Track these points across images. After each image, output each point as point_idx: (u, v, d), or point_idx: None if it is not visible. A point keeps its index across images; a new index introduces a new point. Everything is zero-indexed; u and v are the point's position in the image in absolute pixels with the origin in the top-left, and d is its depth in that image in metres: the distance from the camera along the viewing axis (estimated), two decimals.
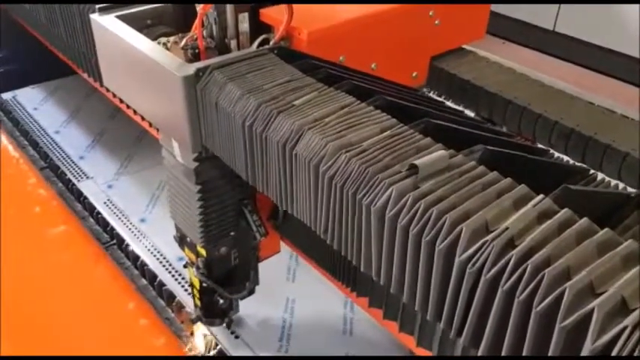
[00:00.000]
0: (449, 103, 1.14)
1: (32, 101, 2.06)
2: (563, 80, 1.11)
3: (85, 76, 1.40)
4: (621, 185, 0.91)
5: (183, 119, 0.85)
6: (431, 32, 1.13)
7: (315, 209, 0.69)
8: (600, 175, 0.74)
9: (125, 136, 1.86)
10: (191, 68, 0.82)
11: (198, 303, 1.15)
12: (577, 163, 0.94)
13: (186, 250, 1.11)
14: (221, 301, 1.15)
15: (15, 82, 2.08)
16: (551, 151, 0.85)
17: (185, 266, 1.15)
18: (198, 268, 1.09)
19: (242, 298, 1.17)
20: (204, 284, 1.10)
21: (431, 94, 1.18)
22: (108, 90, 1.12)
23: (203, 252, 1.06)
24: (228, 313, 1.19)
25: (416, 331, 0.81)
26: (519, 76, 1.12)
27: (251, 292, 1.16)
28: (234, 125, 0.78)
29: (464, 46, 1.24)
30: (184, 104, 0.83)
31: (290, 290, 1.32)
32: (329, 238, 0.69)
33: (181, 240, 1.11)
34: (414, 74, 1.17)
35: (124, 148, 1.83)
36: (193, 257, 1.09)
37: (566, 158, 0.97)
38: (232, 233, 1.06)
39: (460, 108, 1.12)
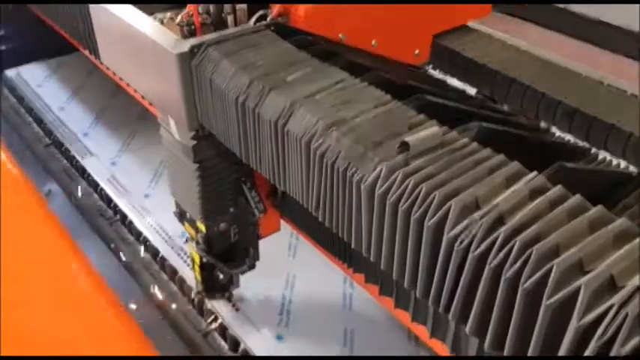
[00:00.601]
0: (451, 81, 1.11)
1: (36, 78, 2.06)
2: (571, 58, 1.07)
3: (87, 53, 1.39)
4: (625, 165, 0.88)
5: (178, 97, 0.84)
6: (434, 9, 1.10)
7: (306, 186, 0.68)
8: (603, 155, 0.72)
9: (128, 113, 1.86)
10: (186, 45, 0.81)
11: (199, 278, 1.16)
12: (579, 142, 0.92)
13: (186, 225, 1.11)
14: (221, 276, 1.16)
15: (18, 58, 2.08)
16: (553, 129, 0.83)
17: (186, 241, 1.16)
18: (198, 243, 1.09)
19: (242, 273, 1.17)
20: (205, 259, 1.11)
21: (434, 72, 1.16)
22: (108, 68, 1.11)
23: (203, 228, 1.06)
24: (228, 288, 1.20)
25: (411, 307, 0.80)
26: (523, 53, 1.09)
27: (251, 267, 1.16)
28: (228, 102, 0.77)
29: (468, 24, 1.20)
30: (179, 82, 0.82)
31: (291, 266, 1.33)
32: (320, 215, 0.68)
33: (181, 216, 1.12)
34: (416, 52, 1.14)
35: (126, 126, 1.83)
36: (193, 233, 1.10)
37: (569, 138, 0.94)
38: (231, 210, 1.06)
39: (462, 86, 1.10)
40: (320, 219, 0.69)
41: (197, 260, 1.14)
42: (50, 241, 1.29)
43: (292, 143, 0.67)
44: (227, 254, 1.12)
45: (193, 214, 1.05)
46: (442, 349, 0.76)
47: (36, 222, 1.34)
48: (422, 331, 0.80)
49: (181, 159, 0.99)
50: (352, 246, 0.66)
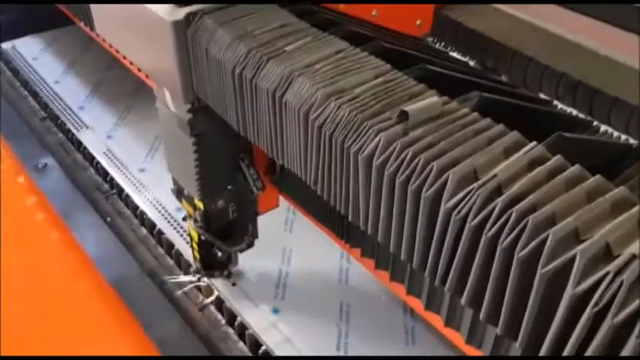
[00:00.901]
0: (453, 54, 1.11)
1: (31, 51, 2.06)
2: (574, 31, 1.06)
3: (82, 25, 1.38)
4: (625, 138, 0.89)
5: (173, 67, 0.84)
6: None
7: (305, 159, 0.69)
8: (604, 127, 0.73)
9: (123, 86, 1.87)
10: (181, 13, 0.80)
11: (197, 255, 1.18)
12: (580, 115, 0.92)
13: (184, 203, 1.12)
14: (220, 254, 1.17)
15: (14, 31, 2.07)
16: (555, 102, 0.83)
17: (184, 219, 1.16)
18: (196, 221, 1.10)
19: (241, 251, 1.19)
20: (203, 237, 1.12)
21: (435, 44, 1.15)
22: (103, 39, 1.11)
23: (200, 205, 1.07)
24: (227, 266, 1.22)
25: (406, 280, 0.82)
26: (527, 25, 1.08)
27: (250, 245, 1.17)
28: (225, 73, 0.76)
29: None
30: (174, 51, 0.82)
31: (287, 241, 1.35)
32: (319, 188, 0.69)
33: (179, 193, 1.12)
34: (417, 22, 1.13)
35: (122, 99, 1.84)
36: (191, 210, 1.11)
37: (573, 112, 0.95)
38: (229, 187, 1.07)
39: (465, 58, 1.10)
40: (318, 192, 0.69)
41: (195, 238, 1.15)
42: (39, 222, 1.31)
43: (290, 114, 0.67)
44: (225, 232, 1.13)
45: (191, 191, 1.05)
46: (437, 321, 0.78)
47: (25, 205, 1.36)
48: (417, 304, 0.82)
49: (177, 133, 0.99)
50: (349, 219, 0.67)
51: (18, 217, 1.28)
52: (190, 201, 1.09)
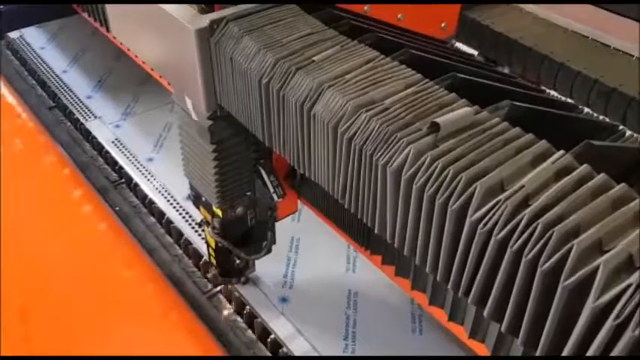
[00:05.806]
0: (479, 58, 1.17)
1: (39, 40, 2.21)
2: (608, 33, 1.12)
3: (91, 20, 1.47)
4: None
5: (196, 76, 0.89)
6: None
7: (332, 172, 0.73)
8: (629, 132, 0.78)
9: (131, 76, 2.00)
10: (205, 20, 0.85)
11: (215, 262, 1.25)
12: (607, 119, 0.98)
13: (202, 209, 1.19)
14: (237, 260, 1.25)
15: (21, 21, 2.21)
16: (580, 106, 0.89)
17: (200, 225, 1.24)
18: (214, 228, 1.17)
19: (258, 259, 1.26)
20: (220, 244, 1.19)
21: (460, 47, 1.21)
22: (115, 37, 1.18)
23: (219, 212, 1.14)
24: (244, 272, 1.29)
25: (411, 276, 0.89)
26: (557, 28, 1.14)
27: (268, 252, 1.24)
28: (250, 83, 0.81)
29: None
30: (197, 59, 0.87)
31: (294, 230, 1.46)
32: (346, 201, 0.74)
33: (196, 199, 1.19)
34: (442, 25, 1.19)
35: (130, 89, 1.98)
36: (209, 217, 1.18)
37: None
38: (248, 194, 1.13)
39: (491, 62, 1.16)
40: (345, 205, 0.74)
41: (212, 245, 1.22)
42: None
43: (319, 127, 0.72)
44: (243, 239, 1.20)
45: (209, 198, 1.12)
46: (442, 315, 0.85)
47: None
48: (421, 298, 0.89)
49: (197, 140, 1.05)
50: (376, 231, 0.71)
51: (67, 210, 1.40)
52: (208, 208, 1.16)
